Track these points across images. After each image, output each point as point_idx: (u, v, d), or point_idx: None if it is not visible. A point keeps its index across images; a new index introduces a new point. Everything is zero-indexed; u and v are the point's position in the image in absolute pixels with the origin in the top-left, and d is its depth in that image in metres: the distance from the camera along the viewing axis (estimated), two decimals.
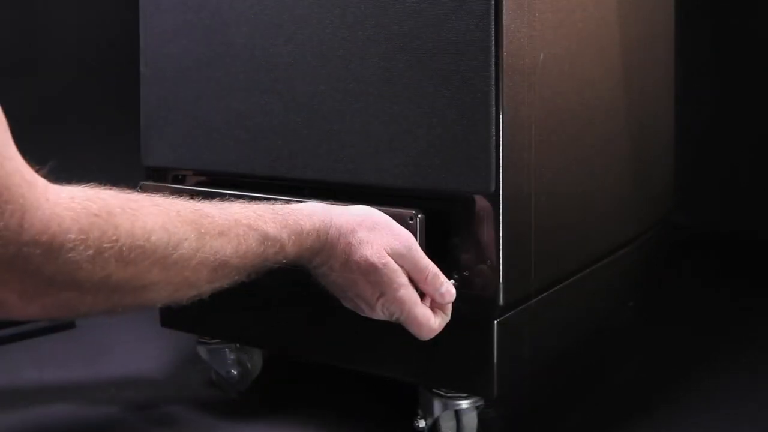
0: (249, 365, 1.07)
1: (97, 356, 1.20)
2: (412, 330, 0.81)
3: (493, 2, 0.79)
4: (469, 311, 0.85)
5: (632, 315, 1.35)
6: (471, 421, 0.91)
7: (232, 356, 1.05)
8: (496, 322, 0.84)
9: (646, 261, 1.27)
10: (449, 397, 0.89)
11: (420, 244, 0.81)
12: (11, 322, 1.24)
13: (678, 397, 1.05)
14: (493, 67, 0.80)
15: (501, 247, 0.82)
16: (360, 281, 0.79)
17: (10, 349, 1.22)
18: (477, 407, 0.90)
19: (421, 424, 0.91)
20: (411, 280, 0.80)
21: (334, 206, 0.81)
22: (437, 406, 0.89)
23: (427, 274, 0.80)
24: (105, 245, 0.60)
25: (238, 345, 1.06)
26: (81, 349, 1.22)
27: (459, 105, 0.82)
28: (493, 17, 0.80)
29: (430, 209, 0.86)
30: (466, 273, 0.84)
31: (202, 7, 0.97)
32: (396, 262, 0.79)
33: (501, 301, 0.83)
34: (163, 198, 0.69)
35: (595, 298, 1.08)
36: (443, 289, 0.81)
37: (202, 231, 0.69)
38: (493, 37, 0.80)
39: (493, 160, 0.81)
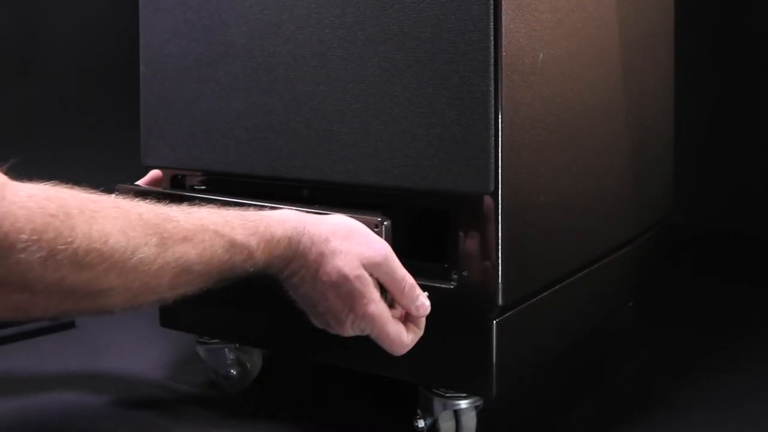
0: (248, 365, 1.07)
1: (97, 356, 1.20)
2: (384, 346, 0.79)
3: (492, 2, 0.79)
4: (468, 311, 0.85)
5: (632, 315, 1.35)
6: (470, 420, 0.91)
7: (231, 356, 1.05)
8: (495, 321, 0.84)
9: (646, 261, 1.27)
10: (448, 397, 0.89)
11: None
12: (11, 322, 1.24)
13: (677, 397, 1.05)
14: (492, 67, 0.80)
15: (500, 247, 0.82)
16: (330, 294, 0.76)
17: (10, 349, 1.22)
18: (476, 407, 0.90)
19: (421, 423, 0.91)
20: (386, 291, 0.79)
21: (309, 214, 0.79)
22: (436, 405, 0.89)
23: (404, 286, 0.78)
24: (59, 247, 0.59)
25: (237, 345, 1.06)
26: (81, 349, 1.22)
27: (458, 105, 0.82)
28: (492, 17, 0.80)
29: (429, 209, 0.86)
30: (465, 273, 0.84)
31: (202, 6, 0.97)
32: (372, 274, 0.77)
33: (500, 301, 0.83)
34: (127, 200, 0.68)
35: (594, 299, 1.08)
36: (419, 302, 0.79)
37: (165, 235, 0.67)
38: (492, 38, 0.80)
39: (492, 160, 0.81)
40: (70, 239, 0.60)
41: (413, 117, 0.84)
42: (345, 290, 0.76)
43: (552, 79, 0.90)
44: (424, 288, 0.85)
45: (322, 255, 0.76)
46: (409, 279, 0.79)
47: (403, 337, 0.79)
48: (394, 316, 0.80)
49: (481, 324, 0.84)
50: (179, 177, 1.04)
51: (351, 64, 0.88)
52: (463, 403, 0.89)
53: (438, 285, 0.85)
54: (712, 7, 1.95)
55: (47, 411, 1.03)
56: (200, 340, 1.07)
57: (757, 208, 1.86)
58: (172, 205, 0.72)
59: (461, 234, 0.84)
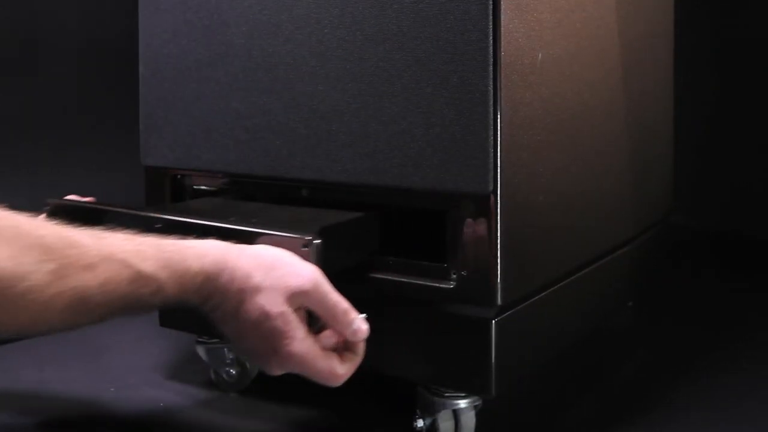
0: (248, 365, 1.07)
1: (97, 356, 1.20)
2: (317, 381, 0.75)
3: (491, 2, 0.79)
4: (467, 311, 0.85)
5: (631, 315, 1.35)
6: (469, 420, 0.91)
7: (230, 356, 1.06)
8: (494, 321, 0.84)
9: (645, 261, 1.27)
10: (447, 397, 0.89)
11: None
12: None
13: (677, 397, 1.05)
14: (491, 67, 0.80)
15: (499, 246, 0.82)
16: (251, 334, 0.72)
17: (10, 349, 1.22)
18: (475, 407, 0.90)
19: (420, 423, 0.91)
20: (319, 319, 0.75)
21: (232, 246, 0.73)
22: (436, 405, 0.89)
23: (336, 312, 0.74)
24: None
25: None
26: (80, 349, 1.22)
27: (457, 105, 0.82)
28: (491, 17, 0.80)
29: (429, 209, 0.86)
30: (464, 273, 0.84)
31: (201, 7, 0.97)
32: (301, 304, 0.73)
33: (499, 301, 0.83)
34: (34, 221, 0.64)
35: (594, 298, 1.08)
36: (355, 326, 0.75)
37: (64, 262, 0.62)
38: (491, 38, 0.80)
39: (491, 160, 0.81)
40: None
41: (412, 117, 0.84)
42: (266, 329, 0.71)
43: (551, 79, 0.90)
44: (422, 288, 0.86)
45: (242, 292, 0.70)
46: (343, 304, 0.74)
47: (337, 371, 0.75)
48: (328, 345, 0.76)
49: (480, 324, 0.84)
50: (178, 177, 1.04)
51: (350, 64, 0.88)
52: (462, 403, 0.89)
53: (437, 285, 0.85)
54: (712, 7, 1.95)
55: (47, 411, 1.03)
56: (199, 339, 1.07)
57: (756, 208, 1.86)
58: (84, 229, 0.67)
59: (460, 234, 0.84)
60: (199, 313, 0.73)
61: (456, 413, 0.90)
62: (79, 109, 2.13)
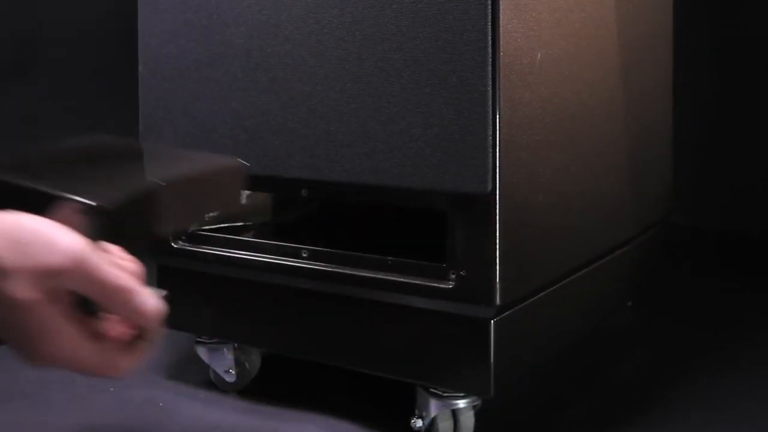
0: (247, 365, 1.07)
1: None
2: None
3: (489, 3, 0.80)
4: (466, 311, 0.85)
5: (631, 315, 1.35)
6: (468, 420, 0.91)
7: (230, 356, 1.06)
8: (493, 321, 0.84)
9: (645, 261, 1.27)
10: (446, 397, 0.89)
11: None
12: None
13: (675, 397, 1.06)
14: (489, 67, 0.80)
15: (498, 246, 0.82)
16: (3, 326, 0.58)
17: (7, 349, 1.22)
18: (474, 407, 0.91)
19: (418, 423, 0.91)
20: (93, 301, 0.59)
21: None
22: (434, 405, 0.89)
23: (108, 291, 0.58)
24: None
25: (236, 344, 1.06)
26: None
27: (456, 105, 0.82)
28: (489, 17, 0.80)
29: (428, 209, 0.86)
30: (463, 273, 0.84)
31: (201, 7, 0.97)
32: (64, 285, 0.57)
33: (498, 301, 0.83)
34: None
35: (593, 298, 1.09)
36: (135, 305, 0.59)
37: None
38: (489, 38, 0.80)
39: (490, 160, 0.81)
40: None
41: (411, 117, 0.84)
42: (17, 324, 0.57)
43: (550, 79, 0.90)
44: (421, 288, 0.85)
45: None
46: (118, 280, 0.58)
47: (117, 365, 0.62)
48: (114, 332, 0.62)
49: (479, 324, 0.84)
50: None
51: (349, 64, 0.88)
52: (461, 403, 0.89)
53: (436, 285, 0.85)
54: (711, 7, 1.95)
55: (45, 410, 1.03)
56: (199, 339, 1.07)
57: (756, 207, 1.86)
58: None
59: (459, 234, 0.84)
60: None
61: (455, 413, 0.91)
62: (78, 109, 2.13)
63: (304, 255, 0.94)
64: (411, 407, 0.93)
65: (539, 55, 0.88)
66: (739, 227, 1.84)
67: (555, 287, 0.95)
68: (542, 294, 0.93)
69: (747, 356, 1.20)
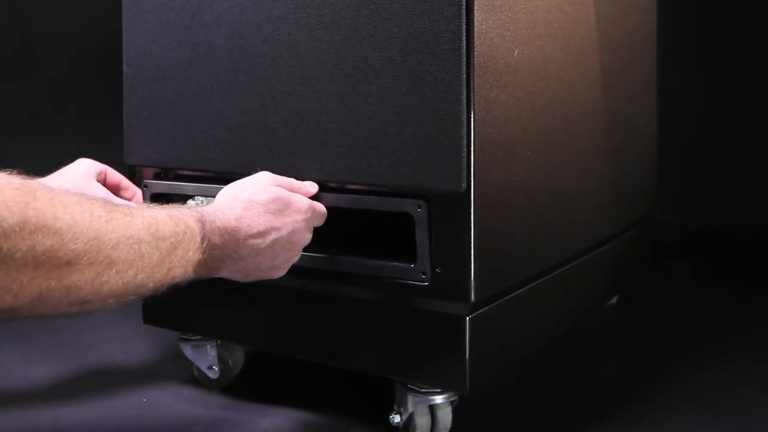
0: (230, 361, 1.08)
1: (81, 353, 1.21)
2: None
3: (464, 3, 0.81)
4: (441, 308, 0.86)
5: (614, 312, 1.36)
6: (446, 416, 0.92)
7: (213, 353, 1.07)
8: (468, 318, 0.85)
9: (627, 259, 1.28)
10: (424, 393, 0.90)
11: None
12: None
13: (657, 395, 1.06)
14: (464, 68, 0.81)
15: (473, 244, 0.83)
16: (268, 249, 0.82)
17: None
18: (452, 402, 0.91)
19: (396, 419, 0.92)
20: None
21: (204, 213, 0.81)
22: (412, 401, 0.90)
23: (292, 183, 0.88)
24: (30, 213, 0.61)
25: (219, 342, 1.07)
26: (65, 346, 1.24)
27: (431, 104, 0.83)
28: (464, 18, 0.81)
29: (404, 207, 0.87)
30: (438, 270, 0.85)
31: (183, 8, 0.98)
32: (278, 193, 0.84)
33: (473, 298, 0.84)
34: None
35: (572, 296, 1.09)
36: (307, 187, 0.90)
37: (109, 209, 0.69)
38: (463, 38, 0.81)
39: (465, 159, 0.82)
40: (38, 205, 0.61)
41: (388, 116, 0.85)
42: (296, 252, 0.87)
43: (527, 79, 0.91)
44: (398, 286, 0.87)
45: (237, 230, 0.82)
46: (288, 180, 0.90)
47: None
48: None
49: (454, 320, 0.85)
50: (161, 175, 1.05)
51: (327, 65, 0.89)
52: (439, 399, 0.90)
53: (412, 282, 0.86)
54: (698, 6, 1.96)
55: (32, 408, 1.04)
56: (183, 336, 1.08)
57: (742, 207, 1.87)
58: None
59: (434, 231, 0.85)
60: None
61: (432, 409, 0.92)
62: (77, 108, 2.14)
63: None
64: (390, 403, 0.94)
65: (516, 52, 0.89)
66: (726, 227, 1.85)
67: (532, 285, 0.96)
68: (519, 291, 0.94)
69: (729, 355, 1.21)
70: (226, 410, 1.02)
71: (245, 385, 1.09)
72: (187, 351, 1.08)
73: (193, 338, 1.08)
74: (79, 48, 2.17)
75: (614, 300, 1.37)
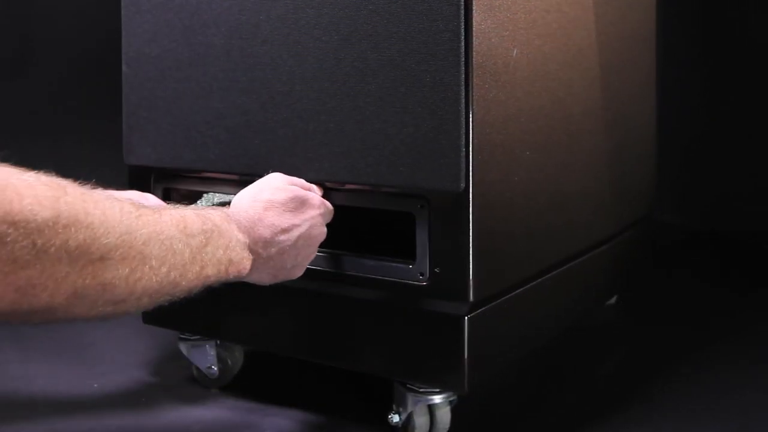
0: (229, 361, 1.08)
1: (82, 353, 1.21)
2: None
3: (462, 3, 0.81)
4: (440, 307, 0.86)
5: (613, 312, 1.36)
6: (444, 416, 0.92)
7: (212, 352, 1.07)
8: (466, 318, 0.85)
9: (625, 259, 1.28)
10: (422, 392, 0.90)
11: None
12: None
13: (655, 395, 1.06)
14: (462, 68, 0.81)
15: (471, 244, 0.83)
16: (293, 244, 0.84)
17: None
18: (450, 402, 0.92)
19: (395, 418, 0.92)
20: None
21: (229, 213, 0.83)
22: (411, 400, 0.90)
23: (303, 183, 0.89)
24: (62, 207, 0.61)
25: (218, 341, 1.07)
26: (65, 346, 1.24)
27: (430, 104, 0.83)
28: (462, 18, 0.81)
29: (403, 207, 0.87)
30: (437, 270, 0.85)
31: (182, 8, 0.98)
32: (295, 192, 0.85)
33: (471, 298, 0.84)
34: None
35: (571, 296, 1.10)
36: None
37: (141, 210, 0.70)
38: (462, 38, 0.81)
39: (463, 159, 0.82)
40: (70, 200, 0.61)
41: (387, 116, 0.85)
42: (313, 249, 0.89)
43: (526, 79, 0.91)
44: (397, 285, 0.87)
45: (261, 230, 0.83)
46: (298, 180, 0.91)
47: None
48: None
49: (453, 320, 0.86)
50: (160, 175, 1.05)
51: (326, 65, 0.89)
52: (437, 399, 0.90)
53: (411, 282, 0.86)
54: (697, 6, 1.96)
55: (32, 406, 1.04)
56: (182, 336, 1.08)
57: (742, 207, 1.87)
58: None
59: (433, 231, 0.85)
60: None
61: (431, 409, 0.92)
62: (76, 109, 2.14)
63: None
64: (389, 403, 0.94)
65: (515, 51, 0.89)
66: (725, 227, 1.85)
67: (531, 284, 0.96)
68: (518, 291, 0.94)
69: (728, 355, 1.21)
70: (225, 410, 1.03)
71: (244, 385, 1.09)
72: (186, 350, 1.08)
73: (192, 338, 1.08)
74: (79, 48, 2.17)
75: (613, 300, 1.37)
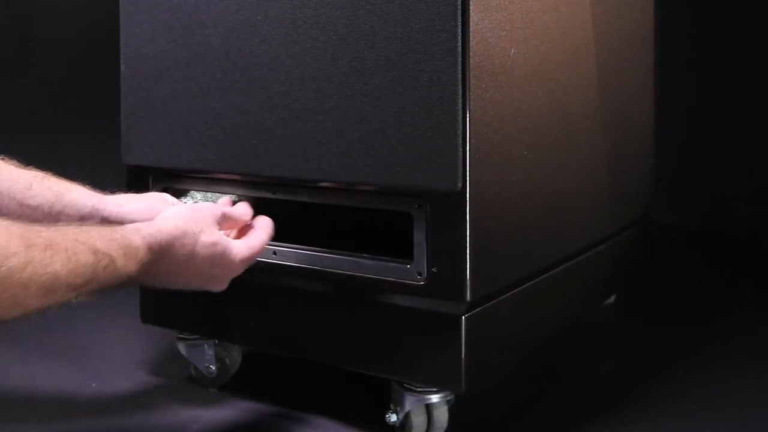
0: (228, 361, 1.08)
1: (80, 352, 1.21)
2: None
3: (459, 3, 0.81)
4: (437, 307, 0.86)
5: (611, 311, 1.36)
6: (442, 415, 0.92)
7: (210, 352, 1.07)
8: (463, 317, 0.85)
9: (624, 259, 1.28)
10: (420, 392, 0.90)
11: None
12: None
13: (653, 394, 1.06)
14: (459, 68, 0.81)
15: (468, 243, 0.83)
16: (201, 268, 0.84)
17: None
18: (448, 402, 0.92)
19: (393, 418, 0.92)
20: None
21: (156, 219, 0.84)
22: (408, 400, 0.90)
23: (230, 216, 0.91)
24: None
25: (216, 341, 1.07)
26: (63, 346, 1.24)
27: (427, 104, 0.83)
28: (459, 18, 0.81)
29: (399, 207, 0.87)
30: (434, 269, 0.85)
31: (180, 8, 0.99)
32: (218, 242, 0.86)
33: (468, 297, 0.84)
34: None
35: (568, 296, 1.10)
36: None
37: (29, 244, 0.67)
38: (459, 38, 0.81)
39: (460, 159, 0.82)
40: None
41: (384, 116, 0.86)
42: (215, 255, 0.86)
43: (523, 79, 0.91)
44: (394, 285, 0.87)
45: (185, 245, 0.83)
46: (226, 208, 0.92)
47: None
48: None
49: (450, 320, 0.86)
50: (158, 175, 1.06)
51: (324, 64, 0.89)
52: (435, 398, 0.90)
53: (408, 281, 0.87)
54: (695, 6, 1.96)
55: (30, 406, 1.04)
56: (180, 336, 1.09)
57: (739, 207, 1.87)
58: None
59: (430, 231, 0.85)
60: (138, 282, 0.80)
61: (428, 408, 0.92)
62: (76, 109, 2.14)
63: (275, 254, 0.96)
64: (386, 402, 0.94)
65: (513, 51, 0.89)
66: (723, 227, 1.85)
67: (529, 284, 0.96)
68: (515, 291, 0.94)
69: (726, 354, 1.21)
70: (224, 409, 1.03)
71: (243, 385, 1.09)
72: (184, 350, 1.09)
73: (190, 337, 1.08)
74: (79, 48, 2.17)
75: (612, 300, 1.37)
